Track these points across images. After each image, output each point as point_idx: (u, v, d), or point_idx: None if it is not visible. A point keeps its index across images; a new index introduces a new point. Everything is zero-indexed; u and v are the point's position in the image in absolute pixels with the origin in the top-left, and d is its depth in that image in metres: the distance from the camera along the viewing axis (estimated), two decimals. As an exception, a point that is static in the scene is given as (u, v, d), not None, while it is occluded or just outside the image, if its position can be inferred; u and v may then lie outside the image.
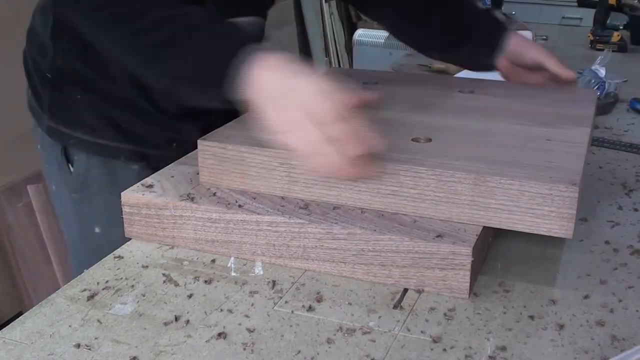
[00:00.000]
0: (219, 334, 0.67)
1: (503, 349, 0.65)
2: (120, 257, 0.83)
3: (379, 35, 3.95)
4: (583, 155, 0.80)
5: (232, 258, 0.82)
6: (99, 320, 0.70)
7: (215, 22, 0.84)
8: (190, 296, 0.74)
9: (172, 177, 0.90)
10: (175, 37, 0.83)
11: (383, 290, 0.75)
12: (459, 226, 0.76)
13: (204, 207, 0.82)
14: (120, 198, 0.86)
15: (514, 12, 3.42)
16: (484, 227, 0.76)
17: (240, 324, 0.69)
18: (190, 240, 0.83)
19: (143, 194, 0.85)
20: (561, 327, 0.68)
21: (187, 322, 0.70)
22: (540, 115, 0.94)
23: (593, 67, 1.46)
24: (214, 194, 0.84)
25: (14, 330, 0.69)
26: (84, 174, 1.05)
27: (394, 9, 1.19)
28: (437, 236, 0.73)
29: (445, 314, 0.71)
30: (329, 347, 0.65)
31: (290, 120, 0.76)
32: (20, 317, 0.71)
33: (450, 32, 1.17)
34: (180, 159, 0.97)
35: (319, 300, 0.73)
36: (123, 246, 0.85)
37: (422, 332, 0.68)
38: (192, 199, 0.83)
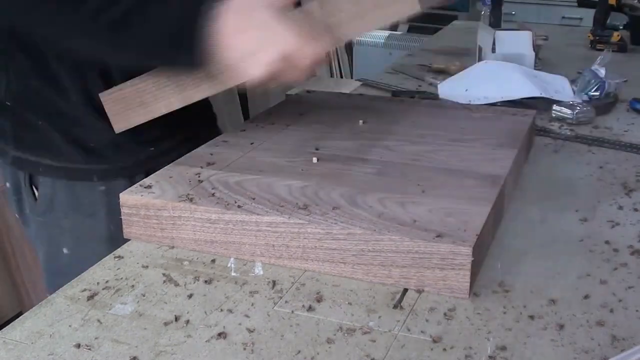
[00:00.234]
0: (219, 334, 0.67)
1: (503, 349, 0.65)
2: (120, 257, 0.83)
3: (379, 35, 3.95)
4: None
5: (232, 258, 0.82)
6: (99, 320, 0.70)
7: None
8: (190, 296, 0.74)
9: (171, 177, 0.90)
10: (134, 6, 0.82)
11: (383, 290, 0.75)
12: (459, 226, 0.76)
13: (202, 208, 0.82)
14: (86, 218, 0.87)
15: (513, 12, 3.42)
16: (484, 227, 0.76)
17: (240, 324, 0.69)
18: (190, 241, 0.83)
19: (142, 195, 0.85)
20: (561, 327, 0.68)
21: (187, 322, 0.69)
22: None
23: (593, 67, 1.46)
24: (213, 195, 0.84)
25: (14, 330, 0.69)
26: (49, 197, 1.03)
27: None
28: (437, 236, 0.73)
29: (445, 314, 0.70)
30: (329, 347, 0.65)
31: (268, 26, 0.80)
32: (20, 317, 0.71)
33: None
34: (179, 160, 0.97)
35: (319, 300, 0.73)
36: (123, 246, 0.85)
37: (422, 332, 0.68)
38: (191, 200, 0.83)
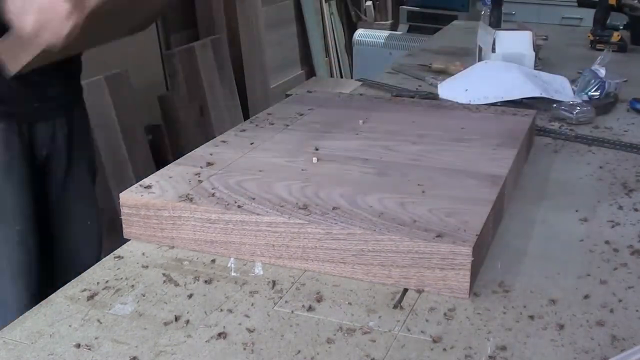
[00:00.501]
0: (219, 334, 0.67)
1: (503, 349, 0.65)
2: (120, 257, 0.83)
3: (379, 35, 3.95)
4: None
5: (232, 258, 0.82)
6: (99, 320, 0.70)
7: None
8: (190, 296, 0.74)
9: (171, 177, 0.90)
10: None
11: (383, 290, 0.75)
12: (459, 226, 0.75)
13: (202, 208, 0.82)
14: None
15: (514, 12, 3.42)
16: (484, 227, 0.76)
17: (240, 324, 0.69)
18: (190, 241, 0.83)
19: (142, 195, 0.85)
20: (561, 327, 0.68)
21: (187, 322, 0.69)
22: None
23: (593, 67, 1.46)
24: (213, 195, 0.84)
25: (14, 330, 0.69)
26: None
27: None
28: (437, 236, 0.73)
29: (445, 314, 0.70)
30: (329, 347, 0.65)
31: None
32: (20, 317, 0.71)
33: None
34: (179, 160, 0.97)
35: (319, 300, 0.73)
36: (123, 246, 0.85)
37: (422, 332, 0.68)
38: (191, 200, 0.83)
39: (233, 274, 0.79)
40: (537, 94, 1.39)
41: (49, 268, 1.18)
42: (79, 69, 1.29)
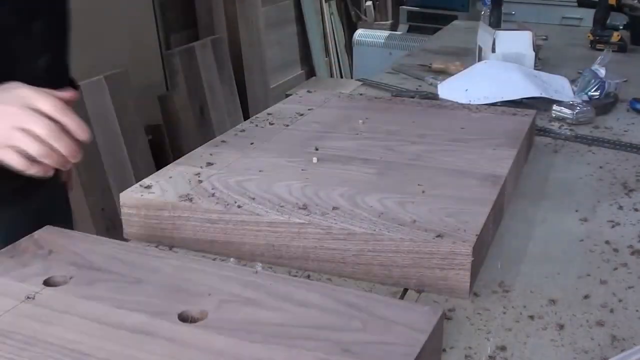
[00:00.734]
0: (219, 334, 0.67)
1: (503, 349, 0.65)
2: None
3: (379, 35, 3.95)
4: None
5: (232, 258, 0.82)
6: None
7: None
8: (189, 296, 0.74)
9: (171, 177, 0.90)
10: None
11: (383, 290, 0.75)
12: (459, 226, 0.75)
13: (203, 208, 0.82)
14: None
15: (513, 12, 3.42)
16: (484, 227, 0.76)
17: (239, 324, 0.69)
18: (190, 241, 0.83)
19: (142, 195, 0.85)
20: (561, 327, 0.68)
21: (187, 322, 0.69)
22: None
23: (593, 67, 1.46)
24: (213, 195, 0.84)
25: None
26: None
27: None
28: (437, 236, 0.73)
29: (445, 314, 0.70)
30: (329, 348, 0.65)
31: (16, 122, 0.74)
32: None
33: None
34: (178, 160, 0.97)
35: (319, 300, 0.73)
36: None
37: (422, 332, 0.68)
38: (191, 200, 0.83)
39: (233, 274, 0.79)
40: (537, 94, 1.39)
41: None
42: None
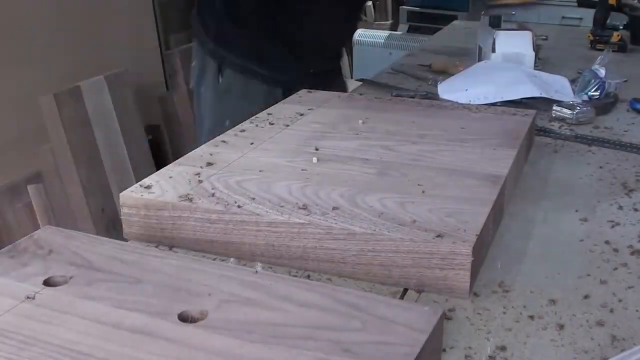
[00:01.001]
0: (219, 335, 0.67)
1: (503, 349, 0.65)
2: (119, 258, 0.82)
3: (379, 35, 3.95)
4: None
5: (232, 258, 0.82)
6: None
7: None
8: (189, 296, 0.74)
9: (171, 177, 0.90)
10: None
11: (383, 290, 0.75)
12: (459, 226, 0.75)
13: (202, 208, 0.82)
14: (248, 104, 1.33)
15: (513, 12, 3.42)
16: (484, 227, 0.76)
17: (239, 324, 0.69)
18: (190, 241, 0.83)
19: (142, 195, 0.85)
20: (561, 327, 0.68)
21: (187, 322, 0.69)
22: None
23: (593, 67, 1.46)
24: (213, 195, 0.84)
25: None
26: (229, 84, 1.50)
27: None
28: (437, 236, 0.73)
29: (445, 314, 0.70)
30: (329, 348, 0.65)
31: None
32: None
33: None
34: (179, 160, 0.97)
35: (319, 300, 0.73)
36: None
37: (422, 332, 0.68)
38: (191, 200, 0.83)
39: (233, 274, 0.79)
40: (537, 94, 1.39)
41: None
42: (339, 53, 1.68)
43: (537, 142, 1.21)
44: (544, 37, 2.10)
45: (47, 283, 0.65)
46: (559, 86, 1.46)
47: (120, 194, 0.86)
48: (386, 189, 0.86)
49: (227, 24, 1.50)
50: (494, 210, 0.82)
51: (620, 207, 0.95)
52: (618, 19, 2.08)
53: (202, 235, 0.82)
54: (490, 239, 0.84)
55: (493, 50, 1.55)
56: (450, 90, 1.45)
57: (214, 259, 0.81)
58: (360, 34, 3.99)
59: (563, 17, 3.54)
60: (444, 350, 0.65)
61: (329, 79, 1.54)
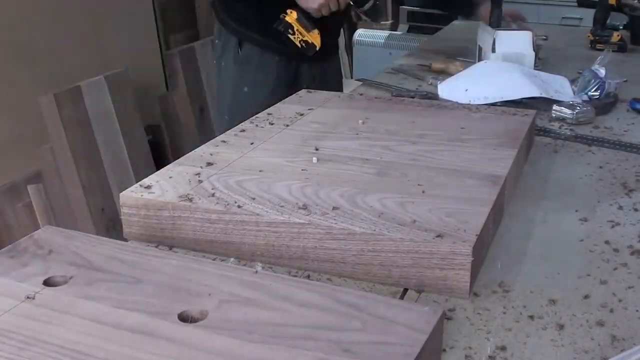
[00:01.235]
0: (219, 335, 0.67)
1: (503, 349, 0.65)
2: (119, 258, 0.82)
3: (379, 35, 3.95)
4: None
5: (232, 258, 0.82)
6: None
7: None
8: (189, 296, 0.74)
9: (171, 177, 0.90)
10: None
11: (383, 290, 0.75)
12: (459, 226, 0.75)
13: (202, 208, 0.82)
14: (263, 73, 1.70)
15: (514, 12, 3.41)
16: (484, 227, 0.76)
17: (239, 324, 0.69)
18: (190, 241, 0.83)
19: (142, 195, 0.85)
20: (561, 327, 0.68)
21: (187, 322, 0.69)
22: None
23: (593, 67, 1.46)
24: (213, 195, 0.84)
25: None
26: (248, 56, 1.72)
27: None
28: (437, 236, 0.73)
29: (445, 314, 0.70)
30: (329, 348, 0.65)
31: None
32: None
33: None
34: (179, 160, 0.97)
35: (319, 300, 0.73)
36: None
37: (422, 332, 0.67)
38: (191, 200, 0.83)
39: (233, 274, 0.79)
40: (537, 94, 1.39)
41: None
42: (338, 32, 1.94)
43: (537, 142, 1.21)
44: (544, 37, 2.10)
45: (47, 283, 0.65)
46: (559, 86, 1.46)
47: (120, 194, 0.86)
48: (386, 189, 0.86)
49: (245, 3, 1.72)
50: (494, 210, 0.82)
51: (620, 207, 0.95)
52: (618, 19, 2.08)
53: (202, 235, 0.82)
54: (490, 239, 0.84)
55: (493, 50, 1.55)
56: (450, 90, 1.45)
57: (214, 259, 0.81)
58: (360, 34, 3.98)
59: (563, 17, 3.54)
60: (444, 350, 0.65)
61: (329, 54, 1.82)
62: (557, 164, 1.12)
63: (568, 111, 1.32)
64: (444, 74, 1.66)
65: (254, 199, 0.83)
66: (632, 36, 2.01)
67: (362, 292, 0.67)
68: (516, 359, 0.64)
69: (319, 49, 1.66)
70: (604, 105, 1.39)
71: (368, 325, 0.58)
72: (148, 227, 0.85)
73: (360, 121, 1.13)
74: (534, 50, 1.56)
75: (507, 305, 0.72)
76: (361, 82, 1.65)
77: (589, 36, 2.02)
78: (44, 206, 2.15)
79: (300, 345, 0.56)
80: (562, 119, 1.32)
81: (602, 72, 1.44)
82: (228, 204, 0.82)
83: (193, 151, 1.00)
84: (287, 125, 1.11)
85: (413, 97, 1.44)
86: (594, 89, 1.42)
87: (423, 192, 0.85)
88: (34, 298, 0.63)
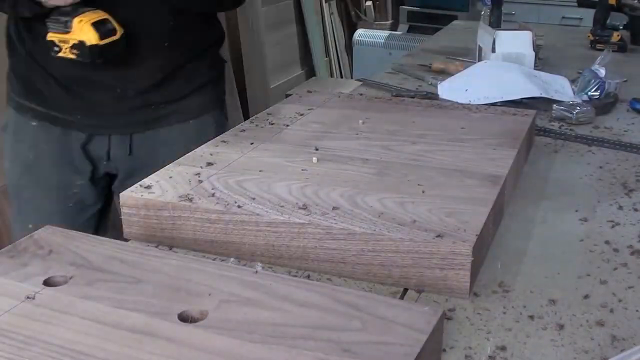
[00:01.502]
0: (219, 335, 0.67)
1: (503, 349, 0.65)
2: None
3: (379, 35, 3.95)
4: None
5: (232, 258, 0.82)
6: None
7: None
8: (189, 296, 0.74)
9: (171, 177, 0.90)
10: None
11: (383, 290, 0.75)
12: (459, 226, 0.75)
13: (202, 208, 0.82)
14: (18, 143, 1.26)
15: (513, 12, 3.42)
16: (484, 227, 0.76)
17: (239, 324, 0.69)
18: (190, 241, 0.83)
19: (142, 195, 0.85)
20: (561, 327, 0.68)
21: (187, 322, 0.69)
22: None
23: (593, 67, 1.46)
24: (213, 195, 0.84)
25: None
26: (7, 119, 1.30)
27: None
28: (437, 236, 0.73)
29: (445, 314, 0.70)
30: (329, 348, 0.65)
31: None
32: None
33: None
34: (179, 160, 0.97)
35: (319, 300, 0.73)
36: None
37: (422, 332, 0.67)
38: (191, 200, 0.83)
39: (233, 274, 0.79)
40: (537, 94, 1.39)
41: None
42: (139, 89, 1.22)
43: (537, 142, 1.21)
44: (541, 35, 2.09)
45: (47, 283, 0.65)
46: (559, 86, 1.46)
47: (120, 194, 0.86)
48: (386, 189, 0.86)
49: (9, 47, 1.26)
50: (494, 210, 0.82)
51: (620, 207, 0.95)
52: (618, 19, 2.08)
53: (202, 235, 0.82)
54: (490, 239, 0.84)
55: (493, 50, 1.55)
56: (450, 90, 1.45)
57: (214, 259, 0.81)
58: (360, 34, 3.99)
59: (563, 17, 3.54)
60: (444, 350, 0.65)
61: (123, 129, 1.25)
62: (557, 164, 1.12)
63: (568, 111, 1.32)
64: (444, 74, 1.66)
65: (254, 199, 0.83)
66: (632, 36, 2.01)
67: (362, 292, 0.67)
68: (516, 359, 0.64)
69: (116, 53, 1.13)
70: (604, 105, 1.39)
71: (368, 325, 0.58)
72: (148, 227, 0.85)
73: (360, 121, 1.13)
74: (534, 50, 1.56)
75: (507, 305, 0.72)
76: (361, 82, 1.65)
77: (589, 36, 2.02)
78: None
79: (300, 345, 0.56)
80: (562, 119, 1.32)
81: (602, 72, 1.44)
82: (228, 204, 0.82)
83: (193, 151, 1.00)
84: (287, 125, 1.11)
85: (413, 97, 1.44)
86: (594, 89, 1.42)
87: (423, 192, 0.85)
88: (34, 298, 0.63)
